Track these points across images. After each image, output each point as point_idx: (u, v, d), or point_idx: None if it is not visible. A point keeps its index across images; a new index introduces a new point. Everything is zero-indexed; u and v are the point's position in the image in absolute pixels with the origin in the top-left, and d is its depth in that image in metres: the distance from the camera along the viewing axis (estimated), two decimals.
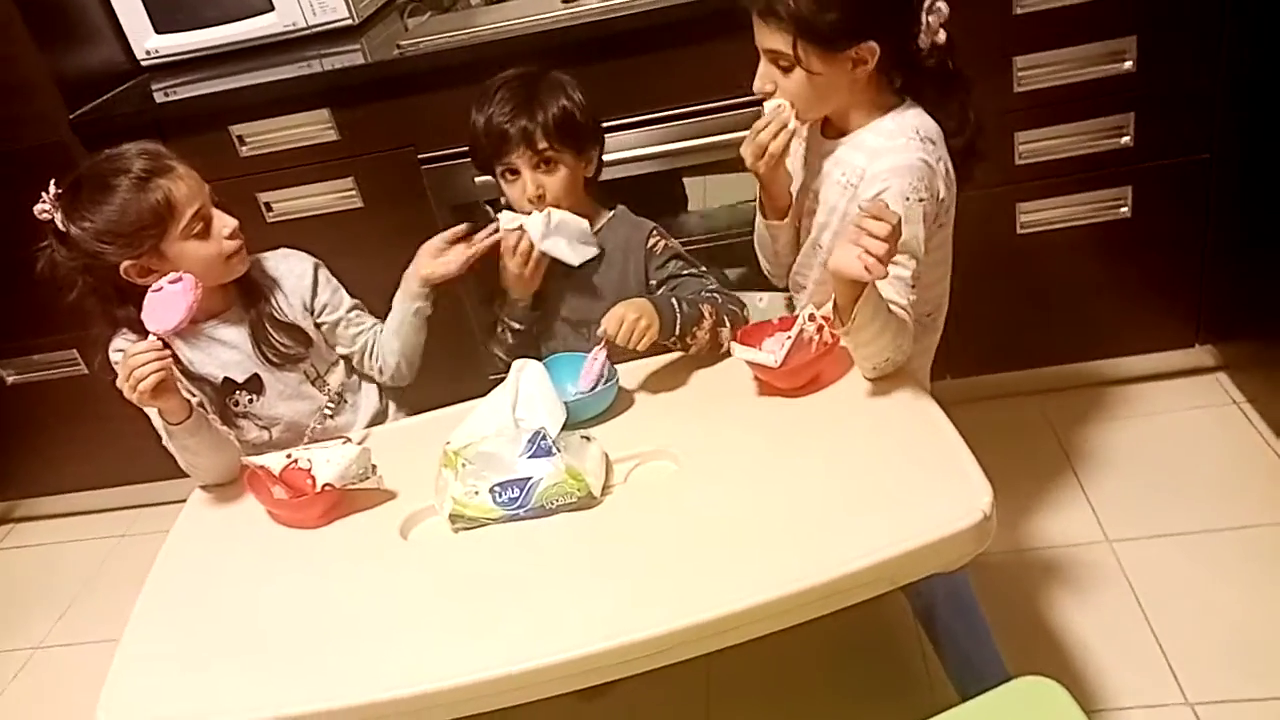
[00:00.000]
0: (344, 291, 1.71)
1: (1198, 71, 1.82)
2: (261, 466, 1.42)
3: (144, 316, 1.41)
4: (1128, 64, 1.81)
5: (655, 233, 1.64)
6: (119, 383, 1.39)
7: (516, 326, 1.65)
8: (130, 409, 2.19)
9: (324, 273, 1.69)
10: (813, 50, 1.35)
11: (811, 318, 1.38)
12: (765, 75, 1.41)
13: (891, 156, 1.39)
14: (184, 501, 1.53)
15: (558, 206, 1.57)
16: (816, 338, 1.38)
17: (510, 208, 1.63)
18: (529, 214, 1.56)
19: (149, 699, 1.17)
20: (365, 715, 1.09)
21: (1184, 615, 1.64)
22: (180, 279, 1.42)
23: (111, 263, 1.47)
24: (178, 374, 1.47)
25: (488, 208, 1.90)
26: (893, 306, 1.31)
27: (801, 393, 1.37)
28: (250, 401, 1.62)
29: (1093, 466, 1.98)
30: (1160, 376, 2.13)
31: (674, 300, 1.50)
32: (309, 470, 1.38)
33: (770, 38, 1.36)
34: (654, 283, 1.63)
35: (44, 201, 1.47)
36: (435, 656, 1.12)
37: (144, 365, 1.36)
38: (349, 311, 1.70)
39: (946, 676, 1.42)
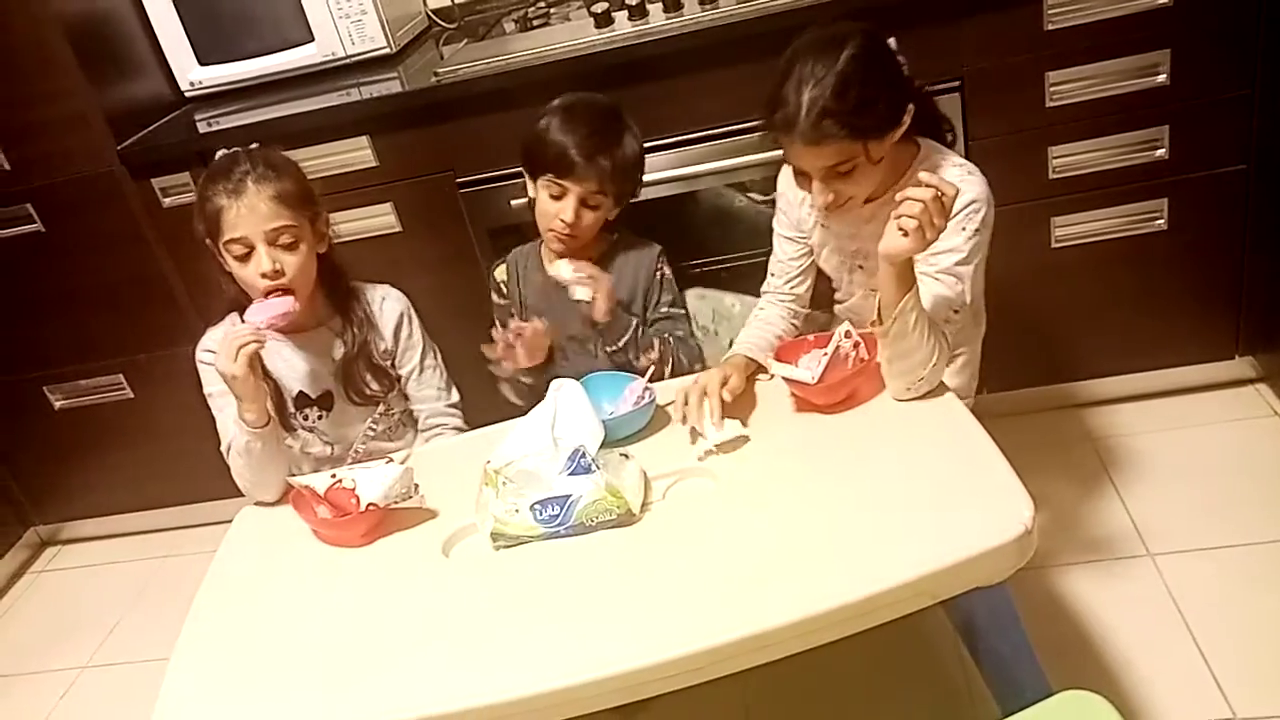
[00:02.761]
0: (419, 352, 1.71)
1: (1233, 83, 1.81)
2: (306, 486, 1.44)
3: (250, 309, 1.52)
4: (1161, 77, 1.81)
5: (662, 257, 1.71)
6: (220, 363, 1.47)
7: (529, 382, 1.71)
8: (174, 433, 2.27)
9: (407, 330, 1.71)
10: (874, 142, 1.37)
11: (848, 334, 1.39)
12: (824, 190, 1.41)
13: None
14: (227, 523, 1.56)
15: (578, 239, 1.64)
16: (853, 354, 1.39)
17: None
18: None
19: (201, 712, 1.20)
20: None
21: (1228, 628, 1.63)
22: (288, 295, 1.52)
23: (199, 234, 1.58)
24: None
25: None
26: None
27: (838, 409, 1.38)
28: (320, 418, 1.66)
29: (1133, 479, 1.97)
30: (1200, 389, 2.11)
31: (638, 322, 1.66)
32: (353, 490, 1.41)
33: (826, 156, 1.38)
34: (648, 310, 1.70)
35: (224, 152, 1.59)
36: (476, 673, 1.13)
37: (243, 336, 1.45)
38: (413, 375, 1.72)
39: (988, 691, 1.41)
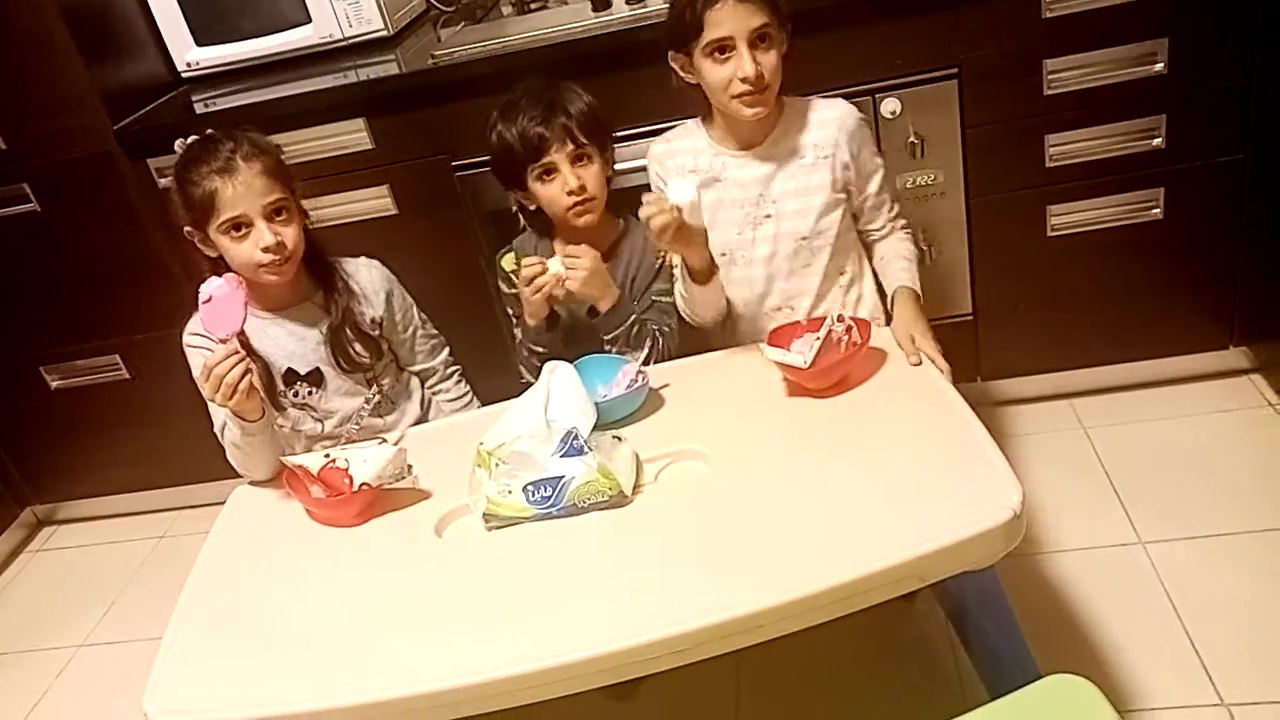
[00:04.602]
0: (414, 310, 1.77)
1: (1231, 72, 1.81)
2: (300, 466, 1.45)
3: (206, 327, 1.47)
4: (1159, 66, 1.80)
5: None
6: (207, 394, 1.45)
7: (540, 350, 1.69)
8: (170, 413, 2.27)
9: (398, 293, 1.74)
10: (783, 30, 1.52)
11: (840, 318, 1.40)
12: (751, 58, 1.49)
13: (852, 114, 1.62)
14: (221, 504, 1.56)
15: (596, 199, 1.63)
16: (845, 338, 1.40)
17: (538, 214, 1.69)
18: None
19: (193, 691, 1.20)
20: (400, 709, 1.11)
21: (1218, 617, 1.63)
22: (223, 282, 1.46)
23: (179, 222, 1.57)
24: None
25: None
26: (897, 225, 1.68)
27: (830, 393, 1.38)
28: (310, 394, 1.66)
29: (1125, 468, 1.97)
30: (1194, 378, 2.12)
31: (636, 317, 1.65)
32: (346, 470, 1.41)
33: (755, 13, 1.48)
34: (642, 293, 1.70)
35: (178, 148, 1.58)
36: (469, 652, 1.13)
37: (230, 372, 1.42)
38: (415, 334, 1.76)
39: (977, 674, 1.42)
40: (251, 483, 1.58)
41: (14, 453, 2.54)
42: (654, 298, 1.70)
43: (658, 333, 1.65)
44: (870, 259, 1.70)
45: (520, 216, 1.78)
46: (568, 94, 1.63)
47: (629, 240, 1.71)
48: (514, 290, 1.76)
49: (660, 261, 1.70)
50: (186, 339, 1.64)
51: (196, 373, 1.62)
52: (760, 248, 1.63)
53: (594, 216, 1.64)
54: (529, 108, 1.61)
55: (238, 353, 1.43)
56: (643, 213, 1.45)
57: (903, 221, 1.70)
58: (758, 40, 1.49)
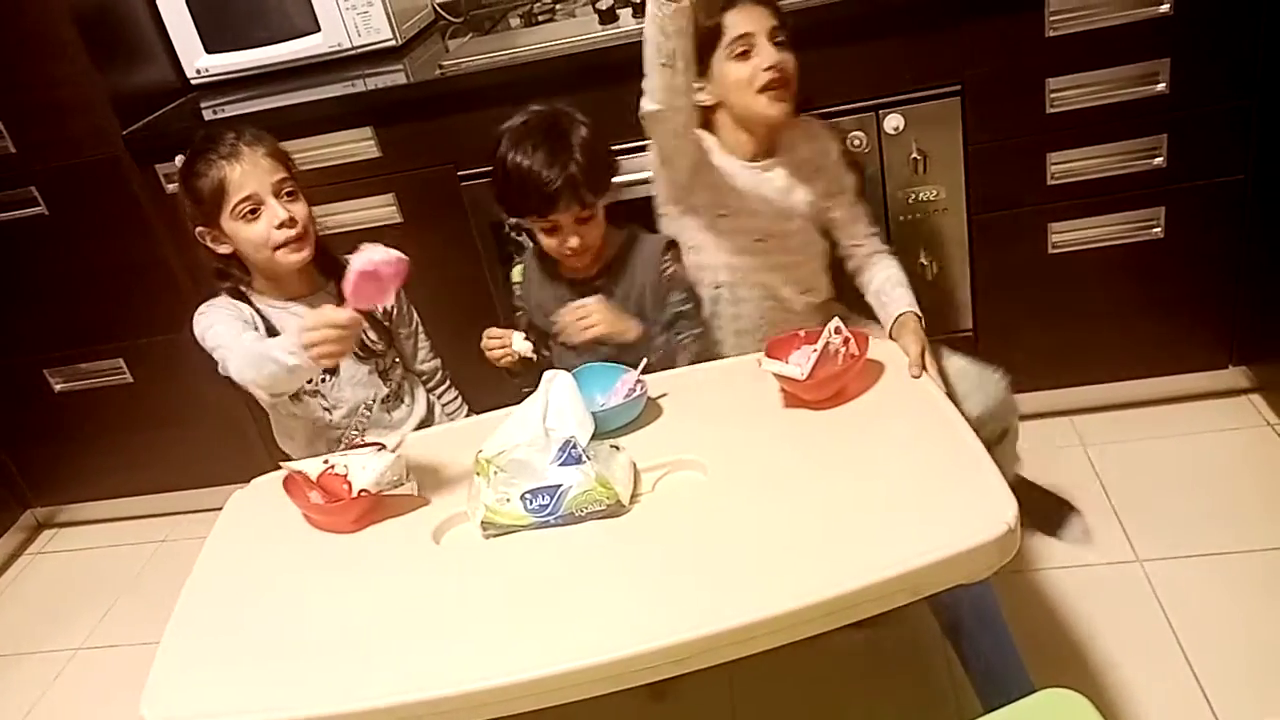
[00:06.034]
0: (414, 309, 1.80)
1: (1232, 93, 1.82)
2: (299, 471, 1.45)
3: (355, 295, 1.40)
4: (1161, 85, 1.81)
5: (670, 251, 1.68)
6: (309, 339, 1.39)
7: (521, 385, 1.69)
8: (172, 418, 2.28)
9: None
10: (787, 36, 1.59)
11: (838, 330, 1.40)
12: (773, 50, 1.55)
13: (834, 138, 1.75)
14: (221, 509, 1.57)
15: (592, 251, 1.64)
16: (843, 350, 1.40)
17: (532, 242, 1.70)
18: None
19: (191, 696, 1.20)
20: (397, 716, 1.11)
21: (1215, 636, 1.63)
22: (395, 258, 1.42)
23: (189, 222, 1.60)
24: None
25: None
26: (877, 244, 1.73)
27: (827, 405, 1.39)
28: (323, 381, 1.68)
29: (1124, 486, 1.97)
30: (1193, 398, 2.12)
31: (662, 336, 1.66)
32: (345, 476, 1.41)
33: (767, 17, 1.57)
34: (660, 309, 1.68)
35: (179, 162, 1.62)
36: (466, 659, 1.13)
37: (329, 338, 1.39)
38: (419, 331, 1.80)
39: (971, 688, 1.42)
40: (250, 485, 1.59)
41: (16, 455, 2.55)
42: (675, 310, 1.67)
43: (689, 341, 1.66)
44: (856, 278, 1.74)
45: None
46: (578, 131, 1.57)
47: (633, 252, 1.68)
48: (520, 304, 1.77)
49: (666, 272, 1.68)
50: (195, 318, 1.64)
51: (220, 328, 1.58)
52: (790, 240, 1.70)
53: (583, 261, 1.65)
54: (543, 154, 1.55)
55: (355, 319, 1.40)
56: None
57: (888, 247, 1.75)
58: (773, 42, 1.55)
